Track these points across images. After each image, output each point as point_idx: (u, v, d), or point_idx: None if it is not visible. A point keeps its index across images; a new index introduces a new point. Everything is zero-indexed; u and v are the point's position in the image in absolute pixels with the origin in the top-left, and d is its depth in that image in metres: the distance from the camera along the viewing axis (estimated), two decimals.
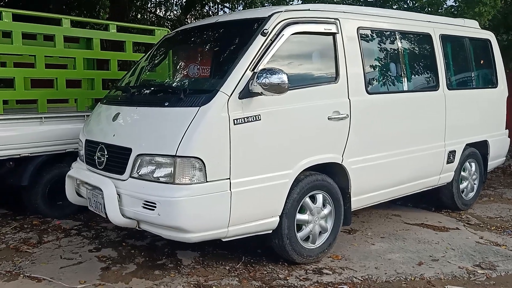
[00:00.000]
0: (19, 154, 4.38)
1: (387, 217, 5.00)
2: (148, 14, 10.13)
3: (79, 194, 3.80)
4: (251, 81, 3.13)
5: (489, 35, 5.64)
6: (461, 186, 5.27)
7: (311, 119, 3.55)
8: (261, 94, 3.14)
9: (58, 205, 4.75)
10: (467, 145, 5.12)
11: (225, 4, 9.49)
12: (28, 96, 4.66)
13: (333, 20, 3.75)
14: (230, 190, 3.10)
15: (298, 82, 3.47)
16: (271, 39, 3.33)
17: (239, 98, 3.14)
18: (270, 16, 3.42)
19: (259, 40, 3.29)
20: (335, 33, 3.74)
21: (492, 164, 5.69)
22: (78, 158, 4.07)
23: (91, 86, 5.20)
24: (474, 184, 5.47)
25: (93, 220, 4.67)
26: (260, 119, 3.22)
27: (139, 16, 9.60)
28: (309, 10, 3.67)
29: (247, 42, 3.31)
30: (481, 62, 5.53)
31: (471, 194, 5.45)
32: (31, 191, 4.63)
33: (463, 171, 5.24)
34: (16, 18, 4.40)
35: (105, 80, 5.26)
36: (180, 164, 3.00)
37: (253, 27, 3.42)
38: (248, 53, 3.24)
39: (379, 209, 5.16)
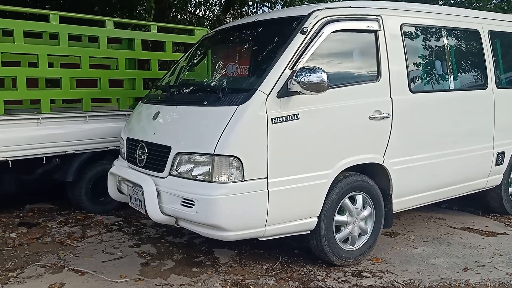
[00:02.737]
0: (65, 152, 4.55)
1: (431, 220, 4.83)
2: (188, 14, 10.26)
3: (120, 191, 3.88)
4: (290, 79, 3.10)
5: None
6: (510, 189, 5.01)
7: (351, 119, 3.47)
8: (299, 93, 3.10)
9: (101, 201, 4.90)
10: None
11: (265, 3, 9.46)
12: (74, 96, 4.82)
13: (375, 17, 3.65)
14: (267, 189, 3.08)
15: (338, 80, 3.40)
16: (310, 38, 3.27)
17: (277, 97, 3.11)
18: (309, 14, 3.37)
19: (298, 39, 3.25)
20: (377, 30, 3.64)
21: None
22: (119, 155, 4.17)
23: (132, 85, 5.33)
24: None
25: (133, 217, 4.78)
26: (298, 118, 3.18)
27: (179, 16, 9.74)
28: (350, 7, 3.58)
29: (286, 40, 3.28)
30: None
31: None
32: (75, 187, 4.80)
33: None
34: (62, 20, 4.57)
35: (145, 80, 5.38)
36: (218, 163, 3.00)
37: (292, 26, 3.38)
38: (287, 52, 3.20)
39: (423, 212, 4.99)
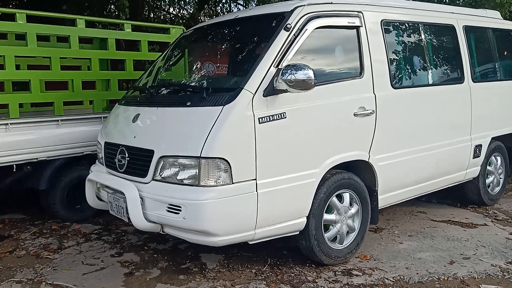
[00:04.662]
0: (37, 158, 4.30)
1: (413, 214, 4.87)
2: (162, 12, 9.98)
3: (99, 198, 3.71)
4: (276, 78, 3.03)
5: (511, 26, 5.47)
6: (487, 181, 5.13)
7: (336, 116, 3.43)
8: (286, 91, 3.03)
9: (77, 209, 4.68)
10: (492, 138, 4.97)
11: (238, 1, 9.33)
12: (44, 99, 4.58)
13: (356, 13, 3.62)
14: (256, 191, 3.00)
15: (323, 78, 3.35)
16: (294, 34, 3.21)
17: (263, 96, 3.03)
18: (292, 10, 3.30)
19: (282, 35, 3.18)
20: (359, 26, 3.61)
21: None
22: (97, 160, 3.98)
23: (106, 87, 5.12)
24: (500, 178, 5.33)
25: (113, 224, 4.59)
26: (285, 117, 3.11)
27: (152, 15, 9.47)
28: (331, 3, 3.54)
29: (270, 37, 3.20)
30: (505, 53, 5.36)
31: (497, 189, 5.30)
32: (49, 195, 4.55)
33: (489, 165, 5.10)
34: (29, 19, 4.32)
35: (120, 81, 5.19)
36: (205, 166, 2.89)
37: (275, 22, 3.31)
38: (272, 49, 3.12)
39: (404, 206, 5.02)
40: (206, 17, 10.37)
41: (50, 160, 4.43)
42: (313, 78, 2.98)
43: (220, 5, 10.00)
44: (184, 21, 9.74)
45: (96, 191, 3.72)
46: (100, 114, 4.70)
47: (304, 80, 2.96)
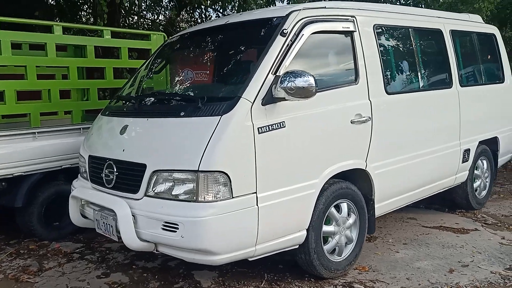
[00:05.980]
0: (12, 174, 4.00)
1: (403, 221, 4.82)
2: (138, 18, 9.67)
3: (84, 216, 3.46)
4: (274, 85, 2.89)
5: (493, 30, 5.55)
6: (475, 185, 5.14)
7: (335, 124, 3.33)
8: (284, 99, 2.89)
9: (55, 226, 4.39)
10: (479, 142, 4.99)
11: (215, 6, 9.13)
12: (20, 110, 4.27)
13: (350, 17, 3.54)
14: (257, 205, 2.84)
15: (320, 84, 3.21)
16: (291, 40, 3.08)
17: (262, 105, 2.88)
18: (288, 15, 3.18)
19: (279, 41, 3.04)
20: (353, 31, 3.53)
21: (502, 160, 5.61)
22: (79, 175, 3.73)
23: (82, 96, 4.85)
24: (486, 182, 5.36)
25: (95, 241, 4.32)
26: (284, 127, 2.97)
27: (128, 21, 9.15)
28: (325, 7, 3.45)
29: (265, 43, 3.06)
30: (488, 57, 5.42)
31: (484, 193, 5.33)
32: (25, 212, 4.24)
33: (476, 169, 5.11)
34: (1, 26, 4.04)
35: (98, 90, 4.92)
36: (203, 180, 2.72)
37: (270, 28, 3.18)
38: (269, 56, 2.99)
39: (393, 213, 4.92)
40: (184, 23, 10.14)
41: (26, 175, 4.13)
42: (314, 85, 2.86)
43: (198, 10, 9.79)
44: (161, 27, 9.47)
45: (80, 208, 3.47)
46: (79, 125, 4.43)
47: (304, 87, 2.83)
